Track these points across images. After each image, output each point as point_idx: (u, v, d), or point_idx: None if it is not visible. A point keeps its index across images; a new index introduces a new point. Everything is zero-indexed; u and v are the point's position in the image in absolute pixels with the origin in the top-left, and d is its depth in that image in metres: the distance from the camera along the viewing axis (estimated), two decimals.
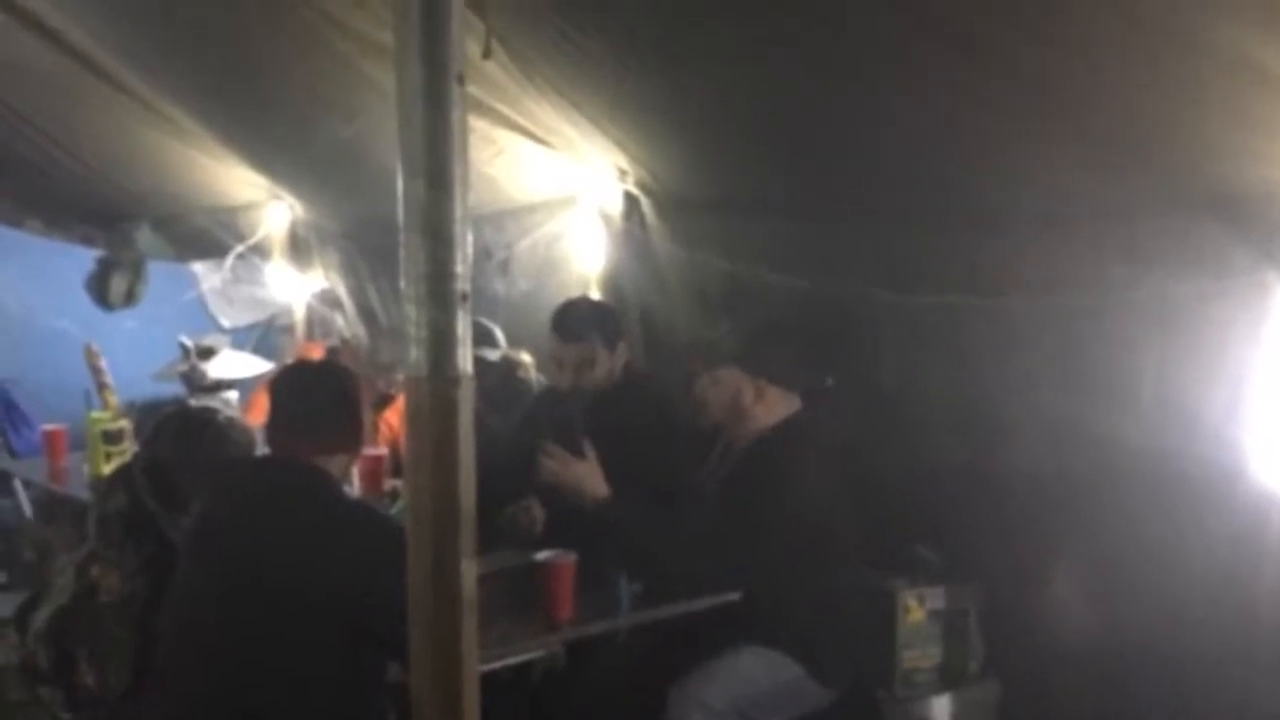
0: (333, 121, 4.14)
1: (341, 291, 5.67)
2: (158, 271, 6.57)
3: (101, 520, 3.17)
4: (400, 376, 4.04)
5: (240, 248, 5.88)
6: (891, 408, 3.41)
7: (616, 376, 3.60)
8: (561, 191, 4.24)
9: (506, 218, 4.48)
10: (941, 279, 3.09)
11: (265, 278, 6.14)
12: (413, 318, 1.59)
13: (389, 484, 3.95)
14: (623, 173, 3.90)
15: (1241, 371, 2.59)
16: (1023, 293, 2.95)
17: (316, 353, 5.35)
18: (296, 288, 6.04)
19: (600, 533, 3.03)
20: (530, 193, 4.34)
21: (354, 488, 3.82)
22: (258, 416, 4.06)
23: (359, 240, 5.44)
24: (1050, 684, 3.20)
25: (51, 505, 5.39)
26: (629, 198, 3.94)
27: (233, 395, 5.00)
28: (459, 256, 1.59)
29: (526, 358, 4.43)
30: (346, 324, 5.68)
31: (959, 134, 2.71)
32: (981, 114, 2.58)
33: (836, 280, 3.27)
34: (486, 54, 2.38)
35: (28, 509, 5.50)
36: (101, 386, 4.97)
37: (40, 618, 3.05)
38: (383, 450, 4.15)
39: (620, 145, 3.68)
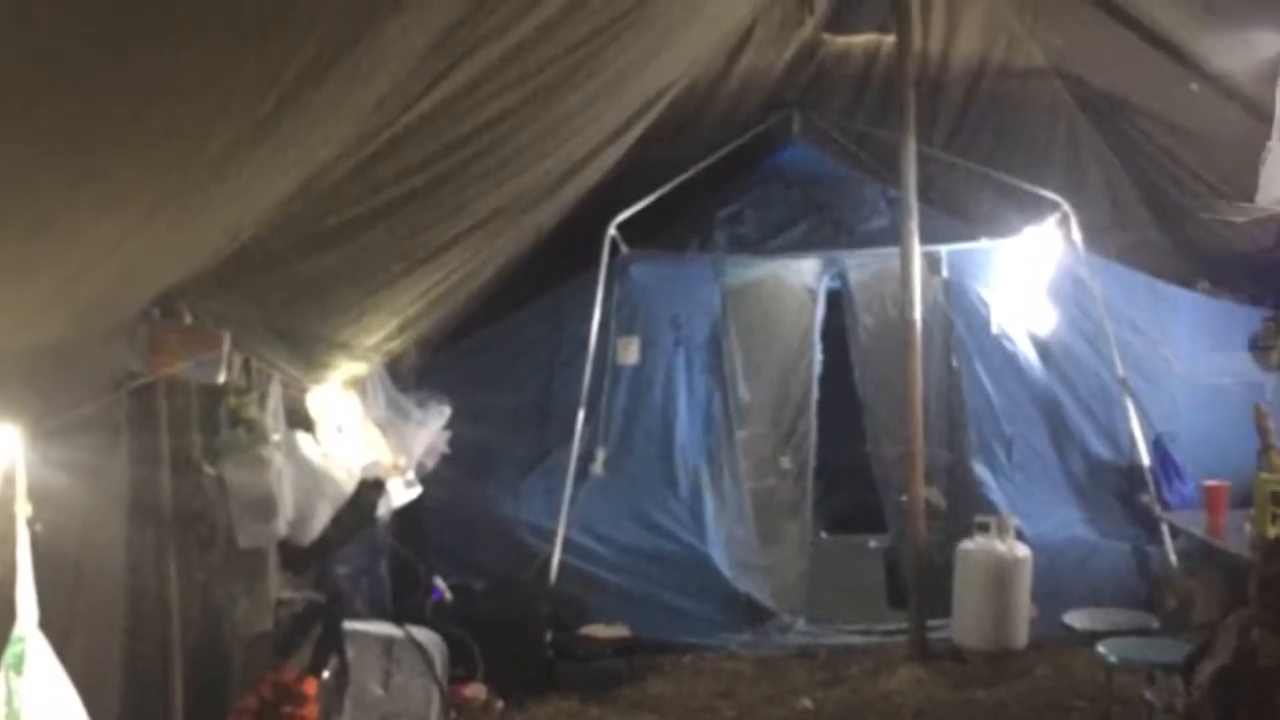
0: None
1: None
2: None
3: (1264, 583, 3.16)
4: None
5: None
6: None
7: None
8: None
9: None
10: None
11: None
12: None
13: None
14: None
15: None
16: None
17: None
18: None
19: None
20: None
21: None
22: None
23: None
24: None
25: (1194, 557, 5.47)
26: None
27: None
28: None
29: None
30: None
31: None
32: None
33: None
34: None
35: (1173, 558, 5.64)
36: (1268, 448, 4.90)
37: (1204, 671, 3.14)
38: None
39: None
